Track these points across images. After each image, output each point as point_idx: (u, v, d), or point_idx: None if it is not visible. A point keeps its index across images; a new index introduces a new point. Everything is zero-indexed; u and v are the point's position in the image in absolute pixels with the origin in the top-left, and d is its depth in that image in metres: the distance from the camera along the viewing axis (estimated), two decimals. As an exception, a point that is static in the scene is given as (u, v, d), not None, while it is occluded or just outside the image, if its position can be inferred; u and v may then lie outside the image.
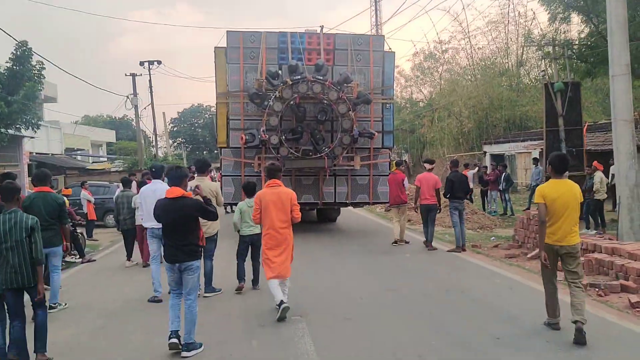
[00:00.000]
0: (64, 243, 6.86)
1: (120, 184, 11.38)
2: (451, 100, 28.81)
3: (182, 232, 5.20)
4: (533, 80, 29.46)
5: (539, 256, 5.78)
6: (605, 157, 13.77)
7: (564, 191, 5.29)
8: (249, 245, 7.60)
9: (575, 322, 5.04)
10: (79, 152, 36.75)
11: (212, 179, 15.70)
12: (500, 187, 16.18)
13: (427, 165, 11.44)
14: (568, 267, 5.33)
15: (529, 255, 9.44)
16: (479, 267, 8.90)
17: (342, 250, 10.77)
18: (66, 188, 14.22)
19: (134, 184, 11.22)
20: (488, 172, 17.11)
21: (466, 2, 42.07)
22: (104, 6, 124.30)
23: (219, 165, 13.77)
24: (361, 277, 8.29)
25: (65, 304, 7.02)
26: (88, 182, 16.04)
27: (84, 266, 10.15)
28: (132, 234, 10.02)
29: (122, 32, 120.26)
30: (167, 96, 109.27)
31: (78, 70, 66.52)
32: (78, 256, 10.60)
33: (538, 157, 17.01)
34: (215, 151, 14.14)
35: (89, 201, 13.97)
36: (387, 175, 13.11)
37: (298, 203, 6.47)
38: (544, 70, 15.40)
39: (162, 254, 6.38)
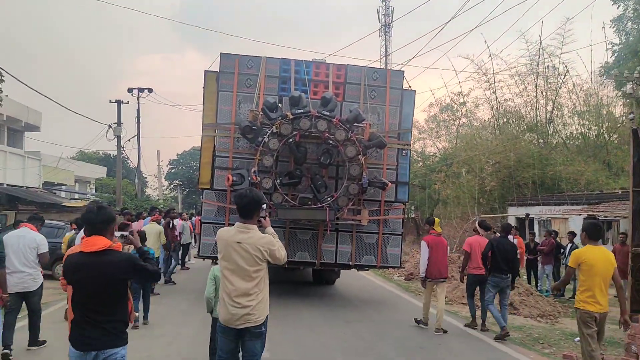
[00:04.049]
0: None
1: (76, 226, 9.76)
2: (472, 154, 27.38)
3: (105, 304, 3.62)
4: (564, 138, 28.07)
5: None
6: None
7: (602, 257, 5.71)
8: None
9: None
10: (62, 187, 35.35)
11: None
12: (563, 262, 13.83)
13: (482, 231, 9.53)
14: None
15: None
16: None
17: (367, 351, 7.71)
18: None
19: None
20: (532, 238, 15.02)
21: (493, 51, 41.51)
22: (113, 49, 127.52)
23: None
24: None
25: None
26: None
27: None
28: None
29: (135, 75, 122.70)
30: (164, 132, 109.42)
31: (81, 109, 66.16)
32: None
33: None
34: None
35: None
36: (400, 235, 11.47)
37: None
38: (632, 112, 13.28)
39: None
